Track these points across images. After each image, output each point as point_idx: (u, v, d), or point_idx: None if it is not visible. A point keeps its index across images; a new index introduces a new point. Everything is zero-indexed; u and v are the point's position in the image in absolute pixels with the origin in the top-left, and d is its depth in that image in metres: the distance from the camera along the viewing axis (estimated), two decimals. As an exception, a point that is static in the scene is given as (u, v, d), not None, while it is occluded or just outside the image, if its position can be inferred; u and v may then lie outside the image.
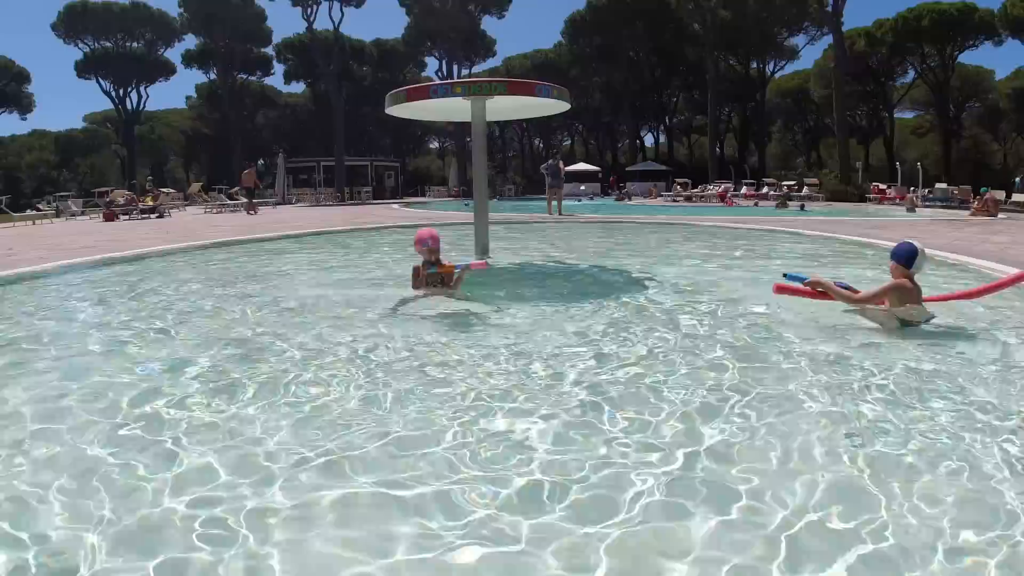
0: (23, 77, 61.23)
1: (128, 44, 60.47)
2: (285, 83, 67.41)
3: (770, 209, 26.19)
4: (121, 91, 61.71)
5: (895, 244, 5.43)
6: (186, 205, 32.27)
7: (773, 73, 63.09)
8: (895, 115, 60.72)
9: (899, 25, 52.30)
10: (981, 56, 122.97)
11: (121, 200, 24.90)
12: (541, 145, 75.44)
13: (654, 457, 2.89)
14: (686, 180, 43.66)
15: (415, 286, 6.36)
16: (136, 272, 9.16)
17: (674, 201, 36.79)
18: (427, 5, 56.94)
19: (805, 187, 35.96)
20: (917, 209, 24.14)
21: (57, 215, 24.75)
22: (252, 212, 24.92)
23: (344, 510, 2.52)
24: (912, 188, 30.67)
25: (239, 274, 8.97)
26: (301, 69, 63.18)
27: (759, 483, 2.65)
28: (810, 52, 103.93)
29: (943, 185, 30.59)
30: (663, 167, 54.99)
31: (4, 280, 8.08)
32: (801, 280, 5.62)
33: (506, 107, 10.01)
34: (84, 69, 59.87)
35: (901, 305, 5.17)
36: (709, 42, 53.48)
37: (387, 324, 5.62)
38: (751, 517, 2.42)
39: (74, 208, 25.57)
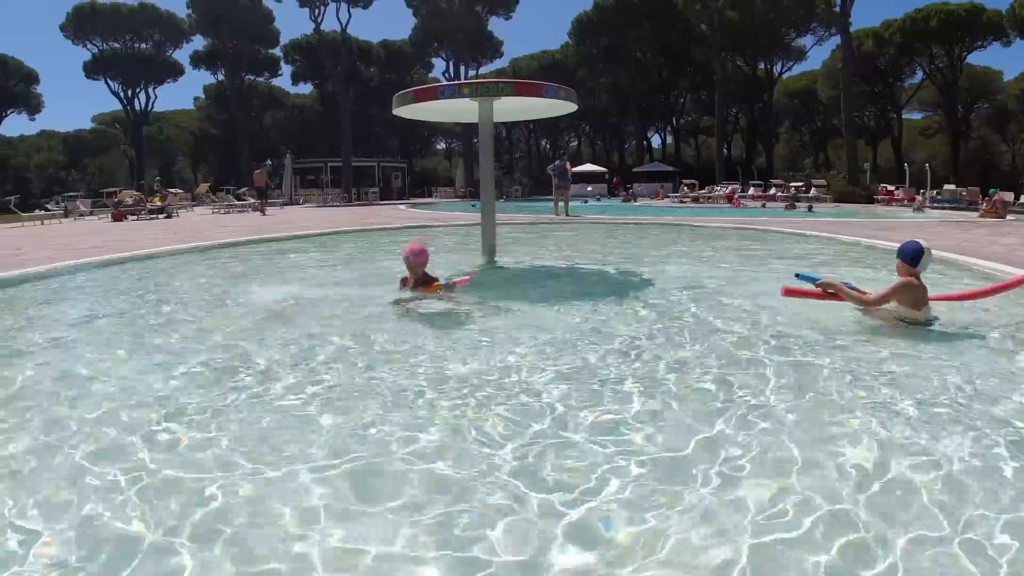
0: (32, 78, 61.61)
1: (136, 45, 60.79)
2: (293, 84, 67.81)
3: (777, 211, 26.09)
4: (129, 92, 62.10)
5: (900, 243, 5.49)
6: (194, 205, 32.38)
7: (781, 74, 63.06)
8: (903, 116, 60.58)
9: (907, 26, 52.16)
10: (989, 57, 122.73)
11: (129, 200, 25.01)
12: (548, 146, 75.48)
13: (650, 457, 2.89)
14: (693, 181, 43.59)
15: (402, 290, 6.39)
16: (143, 271, 9.20)
17: (681, 202, 36.71)
18: (434, 6, 57.02)
19: (813, 188, 35.83)
20: (925, 210, 24.04)
21: (65, 215, 24.83)
22: (263, 212, 24.97)
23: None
24: (921, 190, 30.56)
25: (246, 272, 8.99)
26: (309, 70, 63.37)
27: (765, 482, 2.65)
28: (818, 53, 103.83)
29: (951, 186, 30.44)
30: (670, 168, 54.92)
31: (11, 280, 8.12)
32: (813, 280, 5.63)
33: (513, 108, 10.01)
34: (93, 70, 60.20)
35: (910, 303, 5.19)
36: (716, 43, 53.38)
37: (389, 322, 5.63)
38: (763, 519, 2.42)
39: (82, 208, 25.67)
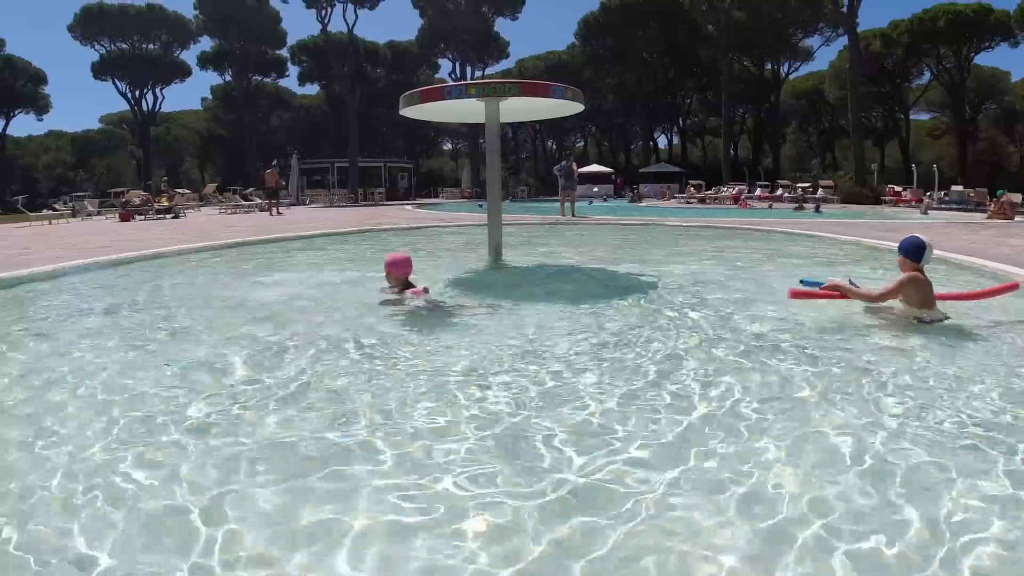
0: (40, 78, 61.86)
1: (144, 46, 61.00)
2: (299, 85, 67.96)
3: (784, 212, 26.03)
4: (137, 92, 62.30)
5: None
6: (201, 206, 32.46)
7: (788, 74, 62.93)
8: (911, 117, 60.37)
9: (914, 26, 52.03)
10: (997, 58, 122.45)
11: (137, 200, 25.09)
12: (554, 147, 75.48)
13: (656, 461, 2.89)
14: (700, 182, 43.51)
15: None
16: (151, 270, 9.22)
17: (687, 203, 36.67)
18: (440, 7, 57.07)
19: (820, 190, 35.73)
20: (930, 212, 23.96)
21: (73, 215, 24.93)
22: (277, 212, 25.01)
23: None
24: (928, 192, 30.46)
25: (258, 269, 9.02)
26: (315, 71, 63.49)
27: (773, 481, 2.64)
28: (825, 53, 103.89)
29: (959, 187, 30.34)
30: (677, 169, 54.89)
31: (19, 279, 8.16)
32: (818, 285, 5.66)
33: (520, 108, 10.01)
34: (100, 70, 60.44)
35: (917, 298, 5.23)
36: (723, 43, 53.31)
37: (393, 321, 5.64)
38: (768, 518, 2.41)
39: (90, 208, 25.77)
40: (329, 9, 51.19)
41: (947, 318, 5.24)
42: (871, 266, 8.99)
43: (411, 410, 3.52)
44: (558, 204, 22.67)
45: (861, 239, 12.25)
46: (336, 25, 53.48)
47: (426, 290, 6.20)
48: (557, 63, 63.34)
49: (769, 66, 61.82)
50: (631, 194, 44.15)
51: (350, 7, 51.48)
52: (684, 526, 2.37)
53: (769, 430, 3.17)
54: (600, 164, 57.91)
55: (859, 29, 42.72)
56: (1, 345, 4.99)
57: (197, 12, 57.82)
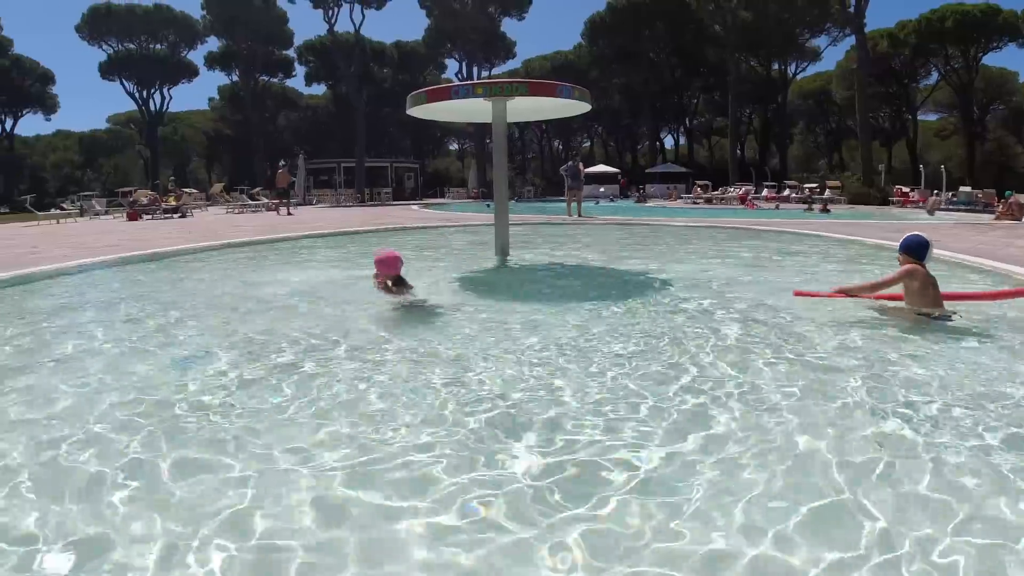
0: (47, 78, 62.14)
1: (151, 46, 61.18)
2: (306, 85, 68.10)
3: (791, 212, 25.91)
4: (144, 92, 62.54)
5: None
6: (208, 205, 32.56)
7: (795, 74, 62.73)
8: (918, 117, 60.22)
9: (922, 26, 51.84)
10: (1005, 58, 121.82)
11: (144, 200, 25.18)
12: (560, 147, 75.44)
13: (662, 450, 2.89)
14: (706, 182, 43.42)
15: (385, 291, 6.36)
16: (159, 269, 9.26)
17: (694, 203, 36.59)
18: (447, 7, 57.10)
19: (827, 190, 35.63)
20: (936, 213, 23.85)
21: (81, 214, 25.03)
22: (287, 212, 24.99)
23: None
24: (936, 192, 30.33)
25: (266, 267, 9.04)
26: (322, 71, 63.61)
27: (779, 481, 2.64)
28: (832, 53, 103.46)
29: (967, 188, 30.21)
30: (683, 169, 54.82)
31: (27, 278, 8.19)
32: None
33: (526, 108, 10.02)
34: (108, 70, 60.64)
35: (922, 291, 5.30)
36: (730, 43, 53.16)
37: (397, 321, 5.65)
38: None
39: (98, 207, 25.88)
40: (336, 9, 51.34)
41: (955, 314, 5.27)
42: (881, 266, 8.97)
43: (411, 409, 3.52)
44: (564, 204, 22.65)
45: (865, 239, 12.22)
46: (343, 25, 53.63)
47: (395, 282, 6.21)
48: (564, 63, 63.31)
49: (776, 66, 61.64)
50: (637, 194, 44.10)
51: (357, 7, 51.64)
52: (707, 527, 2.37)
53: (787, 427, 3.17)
54: (606, 164, 57.88)
55: (866, 29, 42.59)
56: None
57: (204, 12, 58.04)
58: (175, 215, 23.91)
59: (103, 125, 72.89)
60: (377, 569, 2.16)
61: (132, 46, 60.52)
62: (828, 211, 25.36)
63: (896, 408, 3.43)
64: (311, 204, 39.97)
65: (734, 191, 38.90)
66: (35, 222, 21.76)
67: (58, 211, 24.47)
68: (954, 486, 2.62)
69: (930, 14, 51.63)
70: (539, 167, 72.71)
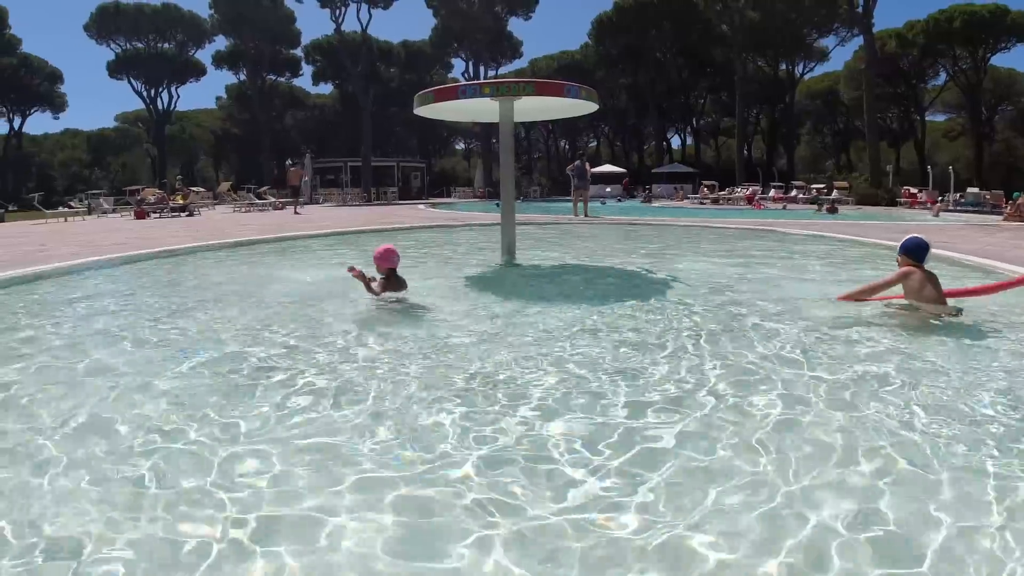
0: (56, 77, 62.27)
1: (159, 45, 61.28)
2: (313, 84, 68.22)
3: (799, 213, 25.86)
4: (152, 91, 62.64)
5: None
6: (215, 204, 32.62)
7: (802, 75, 62.43)
8: (926, 118, 59.93)
9: (930, 27, 51.59)
10: (1014, 58, 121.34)
11: (152, 198, 25.23)
12: (567, 147, 75.34)
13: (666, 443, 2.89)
14: (713, 183, 43.34)
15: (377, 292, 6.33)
16: (165, 268, 9.29)
17: (701, 204, 36.52)
18: (454, 7, 57.10)
19: (835, 191, 35.53)
20: (941, 214, 23.75)
21: (89, 213, 25.09)
22: (296, 211, 25.00)
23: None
24: (942, 196, 30.23)
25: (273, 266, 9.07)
26: (329, 70, 63.64)
27: (786, 479, 2.64)
28: (840, 53, 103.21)
29: (975, 189, 30.12)
30: (690, 169, 54.70)
31: (37, 276, 8.24)
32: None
33: (533, 108, 10.01)
34: (116, 69, 60.79)
35: (921, 289, 5.37)
36: (737, 43, 53.04)
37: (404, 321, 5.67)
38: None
39: (105, 206, 25.95)
40: (343, 9, 51.41)
41: (960, 311, 5.35)
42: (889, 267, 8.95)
43: (412, 411, 3.53)
44: (571, 204, 22.64)
45: (879, 240, 12.19)
46: (350, 25, 53.74)
47: (389, 276, 6.32)
48: (570, 63, 63.19)
49: (783, 66, 61.36)
50: (644, 194, 44.04)
51: (364, 7, 51.72)
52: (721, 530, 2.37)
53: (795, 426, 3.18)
54: (613, 164, 57.78)
55: (874, 29, 42.48)
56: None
57: (212, 11, 58.08)
58: (182, 213, 23.97)
59: (111, 124, 73.15)
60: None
61: (140, 45, 60.62)
62: (836, 211, 25.28)
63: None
64: (318, 203, 40.02)
65: (741, 191, 38.79)
66: (43, 220, 21.84)
67: (66, 209, 24.54)
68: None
69: (938, 14, 51.37)
70: (545, 167, 72.64)
